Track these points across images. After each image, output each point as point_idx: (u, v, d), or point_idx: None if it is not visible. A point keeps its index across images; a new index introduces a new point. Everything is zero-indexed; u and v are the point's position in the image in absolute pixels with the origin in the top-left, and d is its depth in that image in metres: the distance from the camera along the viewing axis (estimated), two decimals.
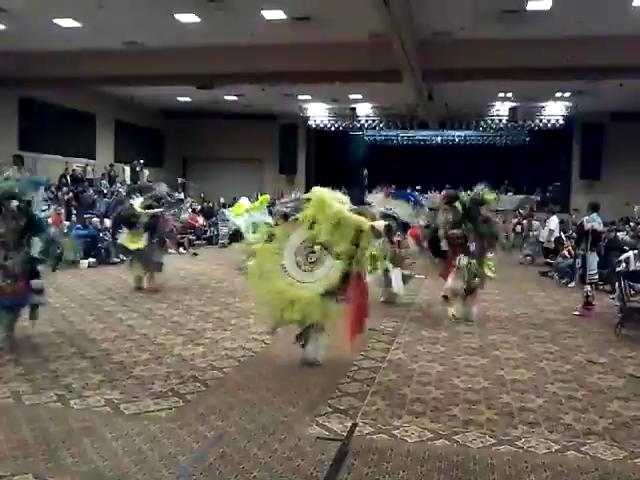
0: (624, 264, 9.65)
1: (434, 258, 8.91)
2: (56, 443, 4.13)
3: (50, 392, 5.16)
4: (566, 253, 12.85)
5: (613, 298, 9.53)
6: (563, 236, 14.35)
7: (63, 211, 15.86)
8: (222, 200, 23.42)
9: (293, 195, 7.91)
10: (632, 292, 8.23)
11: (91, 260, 13.98)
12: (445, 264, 8.65)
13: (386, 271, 9.38)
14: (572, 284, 11.37)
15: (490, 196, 8.79)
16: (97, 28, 13.85)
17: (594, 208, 9.50)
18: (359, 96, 22.37)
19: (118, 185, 20.42)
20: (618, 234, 13.79)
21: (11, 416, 4.61)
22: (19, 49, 15.18)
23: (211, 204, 23.89)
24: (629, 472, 3.86)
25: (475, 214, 8.52)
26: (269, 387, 5.40)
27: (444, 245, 8.55)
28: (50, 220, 14.39)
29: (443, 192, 9.89)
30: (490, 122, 24.57)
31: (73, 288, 10.73)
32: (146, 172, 23.44)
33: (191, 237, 19.69)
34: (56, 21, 13.48)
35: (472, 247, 8.45)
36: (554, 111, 23.41)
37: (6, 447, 4.06)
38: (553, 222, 15.22)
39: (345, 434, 4.35)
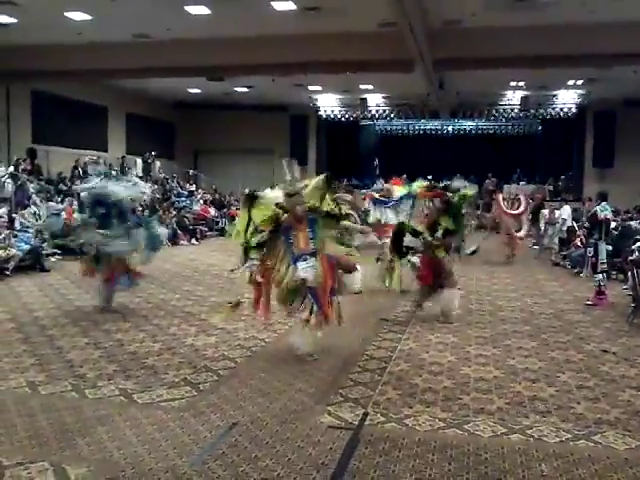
0: (637, 253, 9.60)
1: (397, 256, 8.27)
2: (71, 432, 4.20)
3: (65, 382, 5.23)
4: (578, 243, 12.77)
5: (626, 288, 9.48)
6: (575, 225, 14.25)
7: (76, 203, 15.97)
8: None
9: None
10: None
11: None
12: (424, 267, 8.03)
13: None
14: (584, 273, 11.31)
15: (470, 191, 8.37)
16: (108, 21, 13.87)
17: (603, 197, 9.43)
18: (370, 86, 22.28)
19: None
20: (631, 223, 13.69)
21: (27, 405, 4.69)
22: (31, 42, 15.23)
23: (222, 196, 23.92)
24: None
25: (458, 211, 8.10)
26: (281, 377, 5.44)
27: (409, 241, 8.03)
28: (64, 213, 14.70)
29: (427, 183, 9.09)
30: (502, 111, 24.40)
31: (86, 279, 10.80)
32: (158, 164, 23.55)
33: (203, 228, 19.78)
34: (67, 14, 13.50)
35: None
36: (566, 99, 23.22)
37: (23, 435, 4.13)
38: (565, 212, 15.12)
39: (356, 423, 4.38)
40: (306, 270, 5.65)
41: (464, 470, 3.70)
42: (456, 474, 3.65)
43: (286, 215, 5.86)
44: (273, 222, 5.87)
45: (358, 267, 6.06)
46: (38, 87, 18.37)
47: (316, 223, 5.90)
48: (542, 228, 15.27)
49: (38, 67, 16.16)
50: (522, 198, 14.80)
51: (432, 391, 5.09)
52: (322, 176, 6.21)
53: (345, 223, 6.17)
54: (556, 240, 14.65)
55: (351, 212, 6.59)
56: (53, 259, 12.97)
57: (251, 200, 5.99)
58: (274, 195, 6.04)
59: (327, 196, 6.04)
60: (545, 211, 15.42)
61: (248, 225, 5.96)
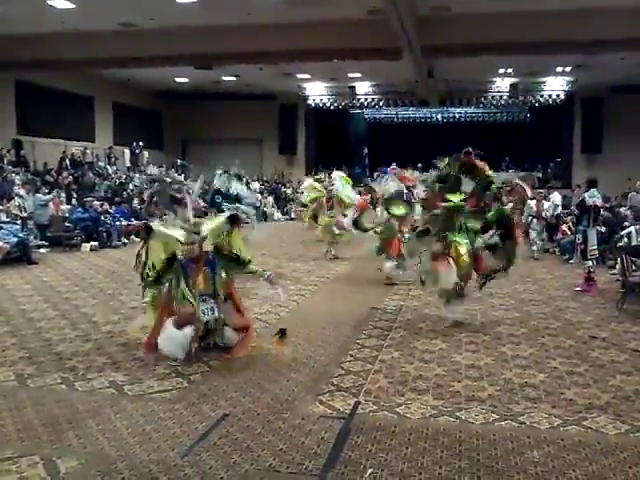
0: (626, 239, 9.63)
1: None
2: (61, 425, 4.16)
3: (55, 375, 5.19)
4: (565, 229, 12.79)
5: (615, 274, 9.53)
6: (562, 212, 14.21)
7: (64, 195, 15.87)
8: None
9: None
10: (634, 267, 8.22)
11: (93, 243, 13.98)
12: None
13: None
14: (573, 260, 11.35)
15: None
16: (92, 9, 13.70)
17: (592, 184, 9.45)
18: (358, 74, 22.19)
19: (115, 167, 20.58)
20: (620, 209, 13.73)
21: (16, 399, 4.64)
22: (14, 32, 15.03)
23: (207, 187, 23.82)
24: (631, 445, 3.87)
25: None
26: (272, 366, 5.42)
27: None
28: (51, 204, 14.56)
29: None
30: (491, 98, 24.43)
31: (76, 271, 10.76)
32: (145, 154, 23.38)
33: None
34: (50, 2, 13.34)
35: None
36: (555, 86, 23.29)
37: (12, 429, 4.09)
38: (557, 199, 15.05)
39: (348, 412, 4.38)
40: (205, 312, 5.62)
41: (456, 457, 3.70)
42: (448, 461, 3.66)
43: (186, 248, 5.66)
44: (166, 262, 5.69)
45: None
46: (22, 77, 18.13)
47: (218, 264, 5.74)
48: (528, 220, 14.01)
49: (22, 57, 15.99)
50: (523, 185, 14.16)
51: (423, 379, 5.09)
52: (224, 217, 6.04)
53: (251, 268, 5.90)
54: (544, 236, 13.46)
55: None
56: (41, 251, 12.88)
57: (147, 233, 5.86)
58: (172, 233, 5.79)
59: (229, 238, 5.87)
60: (532, 202, 13.42)
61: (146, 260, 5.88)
